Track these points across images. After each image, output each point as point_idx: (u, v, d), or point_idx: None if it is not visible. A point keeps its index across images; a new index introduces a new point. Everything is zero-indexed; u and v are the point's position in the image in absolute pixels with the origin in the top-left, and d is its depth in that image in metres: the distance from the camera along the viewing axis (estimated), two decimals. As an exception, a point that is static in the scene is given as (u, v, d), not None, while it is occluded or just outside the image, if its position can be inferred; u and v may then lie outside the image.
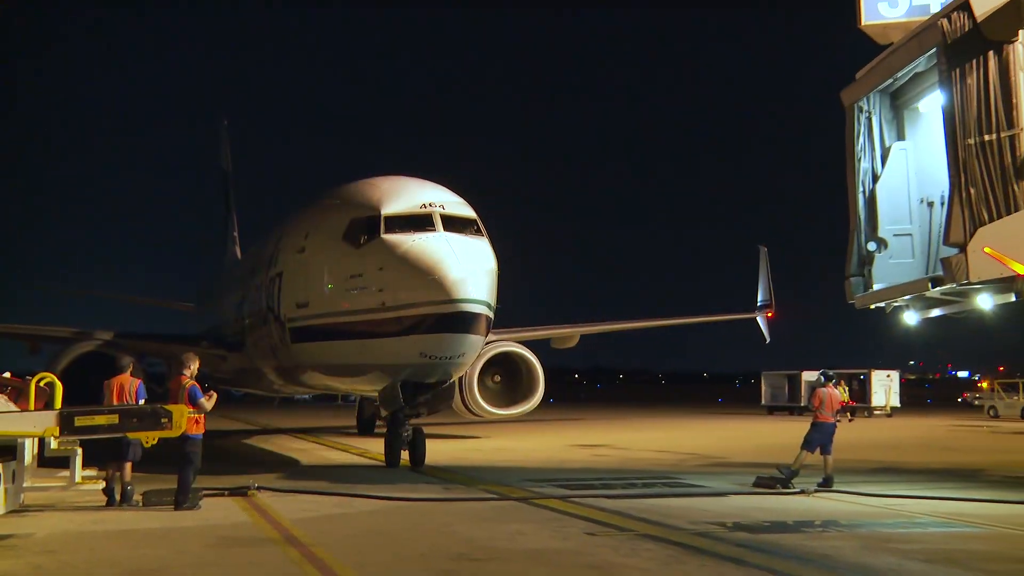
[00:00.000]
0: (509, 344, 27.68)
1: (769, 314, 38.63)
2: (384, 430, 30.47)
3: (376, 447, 24.42)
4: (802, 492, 14.74)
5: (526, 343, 28.89)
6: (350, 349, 18.16)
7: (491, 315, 17.56)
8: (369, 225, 17.69)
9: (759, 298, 38.86)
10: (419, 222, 17.45)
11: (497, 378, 27.33)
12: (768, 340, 39.64)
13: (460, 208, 18.30)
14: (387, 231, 17.40)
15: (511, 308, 18.91)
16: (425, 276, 16.58)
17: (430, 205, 17.78)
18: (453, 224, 17.62)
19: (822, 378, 16.50)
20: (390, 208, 17.75)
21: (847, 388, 49.01)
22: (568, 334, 35.28)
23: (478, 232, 18.16)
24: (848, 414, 45.41)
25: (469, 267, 16.81)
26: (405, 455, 18.75)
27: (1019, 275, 6.53)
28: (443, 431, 29.17)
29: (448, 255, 16.76)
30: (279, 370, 22.61)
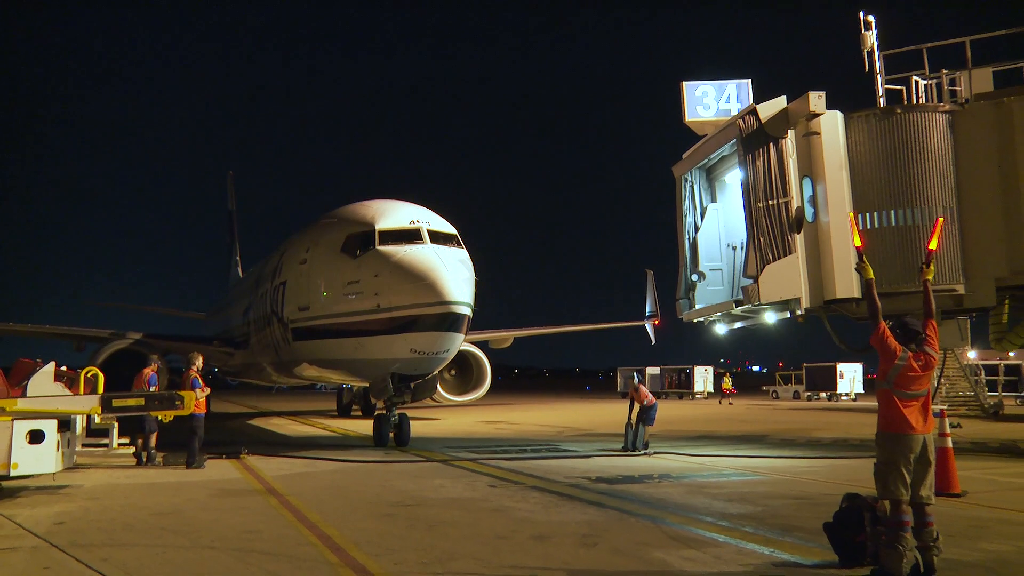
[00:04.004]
0: (463, 344, 26.00)
1: (656, 322, 36.93)
2: (359, 413, 29.81)
3: (350, 426, 23.96)
4: (645, 454, 14.99)
5: (473, 343, 27.27)
6: (347, 346, 16.21)
7: (471, 316, 15.75)
8: (364, 238, 15.86)
9: (647, 310, 37.22)
10: (409, 236, 15.68)
11: (453, 371, 25.39)
12: (654, 342, 37.80)
13: (443, 225, 16.46)
14: (381, 243, 15.59)
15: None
16: (417, 281, 14.83)
17: (418, 221, 16.04)
18: (438, 238, 15.86)
19: (636, 377, 16.88)
20: (383, 224, 15.95)
21: (731, 378, 49.21)
22: (505, 336, 33.76)
23: (459, 245, 16.32)
24: (729, 399, 45.08)
25: (454, 274, 15.08)
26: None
27: (857, 246, 6.85)
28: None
29: (437, 263, 15.03)
30: (279, 364, 20.78)
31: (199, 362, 13.99)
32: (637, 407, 15.83)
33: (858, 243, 6.87)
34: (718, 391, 49.31)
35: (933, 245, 6.70)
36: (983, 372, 32.12)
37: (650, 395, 16.13)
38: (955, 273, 13.21)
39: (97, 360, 21.73)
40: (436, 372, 16.86)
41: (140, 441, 13.48)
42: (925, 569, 5.77)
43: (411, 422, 17.32)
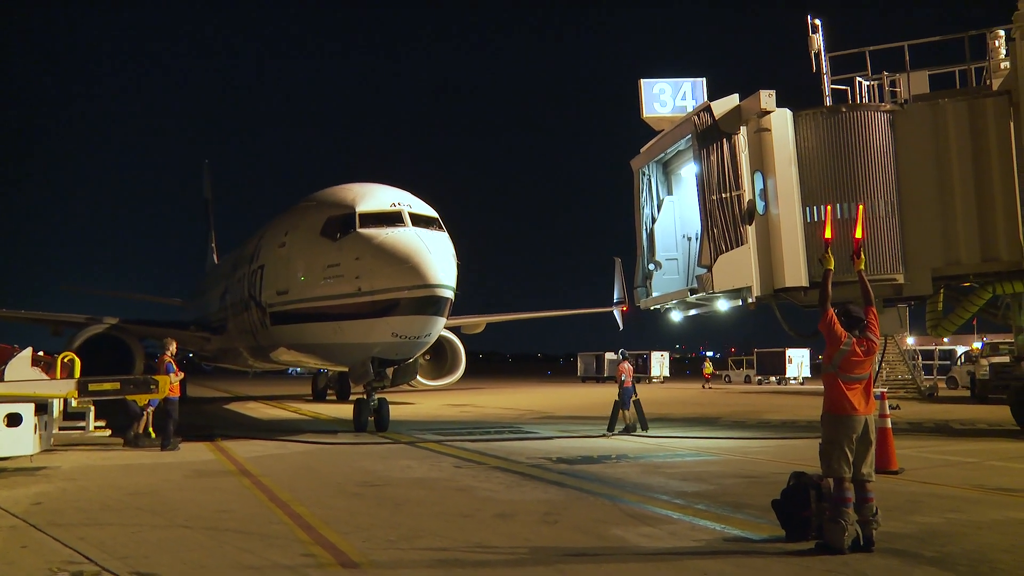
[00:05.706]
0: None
1: (624, 308, 35.63)
2: (333, 398, 29.24)
3: (322, 410, 23.70)
4: (603, 436, 15.04)
5: (447, 328, 26.58)
6: (327, 330, 15.39)
7: (453, 299, 15.04)
8: (345, 221, 15.09)
9: (615, 296, 36.08)
10: (390, 219, 14.93)
11: (428, 356, 23.73)
12: (622, 328, 36.70)
13: (424, 208, 15.69)
14: (362, 226, 14.83)
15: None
16: (400, 264, 14.12)
17: (399, 204, 15.27)
18: (420, 221, 15.14)
19: (621, 355, 16.69)
20: (364, 207, 15.17)
21: (711, 363, 49.22)
22: (477, 322, 32.76)
23: (441, 228, 15.60)
24: (710, 384, 44.72)
25: (437, 257, 14.38)
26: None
27: (826, 238, 6.96)
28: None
29: (420, 246, 14.32)
30: (256, 349, 19.93)
31: (173, 347, 13.85)
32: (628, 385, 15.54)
33: (828, 235, 7.00)
34: (699, 375, 49.40)
35: (859, 234, 6.84)
36: (920, 357, 32.91)
37: (627, 377, 15.70)
38: (895, 264, 13.51)
39: (73, 345, 21.06)
40: (416, 356, 16.26)
41: (135, 426, 13.45)
42: (865, 542, 5.91)
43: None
